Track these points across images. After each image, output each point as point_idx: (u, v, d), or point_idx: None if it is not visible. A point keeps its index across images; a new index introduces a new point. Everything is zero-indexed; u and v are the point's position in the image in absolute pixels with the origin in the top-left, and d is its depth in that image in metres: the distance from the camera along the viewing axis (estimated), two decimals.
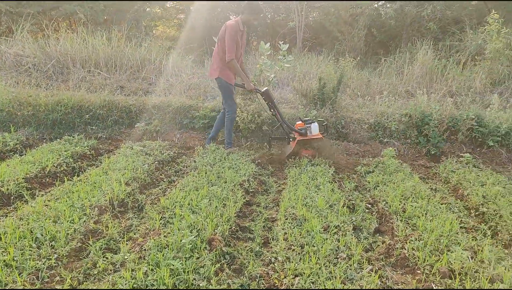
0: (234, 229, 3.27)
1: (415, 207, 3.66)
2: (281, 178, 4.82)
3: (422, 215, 3.49)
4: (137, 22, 11.11)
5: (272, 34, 11.99)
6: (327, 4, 11.99)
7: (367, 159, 5.41)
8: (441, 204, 3.94)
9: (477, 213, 3.90)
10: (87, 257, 2.71)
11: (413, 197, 3.93)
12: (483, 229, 3.49)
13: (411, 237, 3.09)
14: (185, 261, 2.60)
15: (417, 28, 11.16)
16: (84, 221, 3.13)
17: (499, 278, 2.60)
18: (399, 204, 3.74)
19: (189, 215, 3.21)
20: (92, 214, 3.26)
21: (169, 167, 4.83)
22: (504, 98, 7.14)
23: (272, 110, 5.22)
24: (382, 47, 11.89)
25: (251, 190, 4.23)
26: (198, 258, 2.69)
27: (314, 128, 5.17)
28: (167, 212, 3.38)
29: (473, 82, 7.84)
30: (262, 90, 5.11)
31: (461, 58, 8.54)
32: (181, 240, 2.78)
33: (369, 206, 3.97)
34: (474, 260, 2.80)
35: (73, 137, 5.45)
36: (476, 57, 8.35)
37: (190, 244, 2.77)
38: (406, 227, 3.30)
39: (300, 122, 5.30)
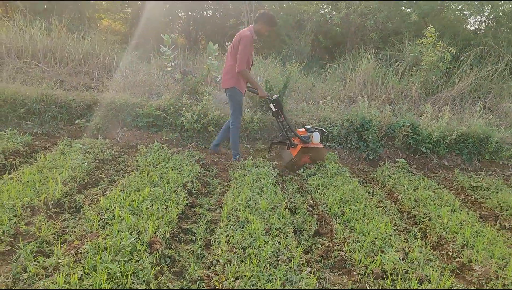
0: (176, 231, 3.22)
1: (353, 210, 3.81)
2: (225, 179, 4.81)
3: (360, 218, 3.65)
4: (80, 13, 10.57)
5: (221, 34, 11.94)
6: (275, 8, 12.17)
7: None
8: (377, 207, 4.16)
9: (409, 216, 4.16)
10: (17, 261, 2.53)
11: (351, 201, 4.09)
12: (414, 231, 3.73)
13: (348, 239, 3.22)
14: (124, 264, 2.52)
15: (361, 37, 11.66)
16: (15, 222, 2.92)
17: (427, 279, 2.79)
18: (339, 207, 3.88)
19: (129, 217, 3.10)
20: (24, 215, 3.05)
21: (110, 166, 4.65)
22: (436, 107, 7.66)
23: (280, 116, 5.23)
24: (328, 53, 12.28)
25: (194, 192, 4.18)
26: (137, 261, 2.61)
27: (316, 137, 5.29)
28: (106, 213, 3.24)
29: (410, 91, 8.34)
30: (274, 97, 5.14)
31: (400, 68, 9.05)
32: (120, 243, 2.69)
33: (310, 208, 4.08)
34: (405, 261, 2.98)
35: (5, 132, 5.06)
36: (413, 67, 8.89)
37: (130, 246, 2.68)
38: (345, 230, 3.43)
39: (302, 129, 5.40)
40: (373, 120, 6.31)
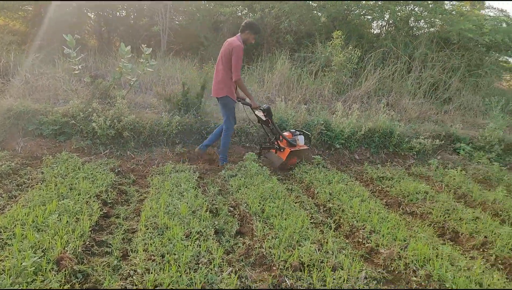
0: (89, 244, 3.02)
1: (272, 207, 3.90)
2: (143, 186, 4.63)
3: (279, 215, 3.75)
4: None
5: (135, 36, 11.50)
6: (192, 9, 12.04)
7: (230, 164, 5.58)
8: (295, 202, 4.31)
9: (324, 208, 4.37)
10: None
11: (271, 198, 4.18)
12: (329, 223, 3.92)
13: (268, 236, 3.28)
14: (27, 286, 2.30)
15: (276, 39, 12.02)
16: None
17: (340, 266, 2.94)
18: (259, 205, 3.95)
19: (33, 234, 2.84)
20: None
21: (10, 180, 4.21)
22: (347, 105, 8.16)
23: (271, 125, 5.52)
24: (245, 55, 12.47)
25: (109, 201, 3.96)
26: (43, 281, 2.40)
27: (301, 139, 5.72)
28: (5, 232, 2.93)
29: (323, 91, 8.79)
30: (265, 107, 5.36)
31: (313, 69, 9.49)
32: (21, 263, 2.44)
33: (232, 209, 4.10)
34: (321, 251, 3.12)
35: None
36: (325, 68, 9.39)
37: (33, 266, 2.45)
38: (264, 227, 3.49)
39: (288, 133, 5.73)
40: (289, 119, 6.53)
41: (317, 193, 4.74)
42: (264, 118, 5.44)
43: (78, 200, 3.62)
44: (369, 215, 3.98)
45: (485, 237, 3.76)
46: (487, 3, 10.73)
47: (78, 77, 6.75)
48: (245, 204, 4.05)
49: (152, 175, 4.81)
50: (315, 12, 12.04)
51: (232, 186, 4.67)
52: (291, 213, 3.82)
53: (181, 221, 3.40)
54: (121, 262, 2.90)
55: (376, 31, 13.25)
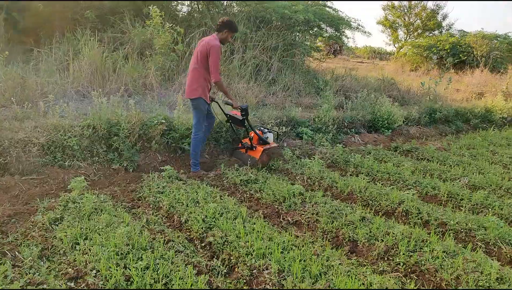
0: None
1: (140, 269, 2.64)
2: None
3: (154, 277, 2.52)
4: None
5: None
6: None
7: (47, 198, 3.85)
8: (165, 244, 3.09)
9: (203, 244, 3.32)
10: None
11: (132, 251, 2.88)
12: (218, 268, 2.91)
13: None
14: None
15: (72, 16, 9.71)
16: None
17: None
18: (118, 269, 2.61)
19: None
20: None
21: None
22: (178, 95, 7.05)
23: (247, 125, 5.32)
24: (31, 36, 9.69)
25: None
26: None
27: (271, 137, 5.70)
28: None
29: (147, 79, 7.42)
30: (244, 107, 5.15)
31: (130, 52, 7.93)
32: None
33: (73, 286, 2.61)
34: None
35: None
36: (146, 52, 7.95)
37: None
38: None
39: (259, 131, 5.59)
40: (121, 121, 5.04)
41: (185, 222, 3.63)
42: (240, 118, 5.19)
43: None
44: (264, 243, 3.16)
45: (384, 242, 3.44)
46: None
47: None
48: (95, 273, 2.64)
49: None
50: None
51: (62, 241, 3.09)
52: (166, 267, 2.65)
53: None
54: None
55: (185, 8, 12.31)
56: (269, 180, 4.88)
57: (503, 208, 4.47)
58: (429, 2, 28.71)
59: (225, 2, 11.29)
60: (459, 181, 5.45)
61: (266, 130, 5.70)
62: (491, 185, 5.33)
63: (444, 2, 50.27)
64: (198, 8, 11.34)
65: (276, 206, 4.21)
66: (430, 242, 3.44)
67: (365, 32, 14.96)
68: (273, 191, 4.47)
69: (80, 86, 6.84)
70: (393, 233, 3.53)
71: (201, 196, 4.12)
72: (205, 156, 5.71)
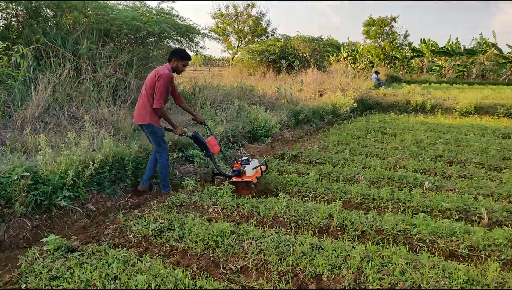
0: None
1: None
2: None
3: None
4: None
5: None
6: None
7: None
8: None
9: None
10: None
11: None
12: None
13: None
14: None
15: None
16: None
17: None
18: None
19: None
20: None
21: None
22: (24, 134, 5.49)
23: (205, 151, 5.30)
24: None
25: None
26: None
27: (248, 169, 5.13)
28: None
29: None
30: (191, 134, 5.19)
31: None
32: None
33: None
34: None
35: None
36: None
37: None
38: None
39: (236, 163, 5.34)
40: None
41: None
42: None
43: None
44: None
45: (348, 269, 3.16)
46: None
47: None
48: None
49: None
50: None
51: None
52: None
53: None
54: None
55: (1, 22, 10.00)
56: (186, 222, 4.10)
57: (410, 200, 4.77)
58: (253, 9, 30.52)
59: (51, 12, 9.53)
60: (356, 179, 5.66)
61: (245, 161, 5.27)
62: (383, 178, 5.70)
63: (265, 9, 58.13)
64: (19, 20, 9.30)
65: (210, 255, 3.52)
66: (388, 256, 3.32)
67: (219, 38, 14.95)
68: (198, 236, 3.75)
69: None
70: (354, 257, 3.29)
71: (117, 267, 3.12)
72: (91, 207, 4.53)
